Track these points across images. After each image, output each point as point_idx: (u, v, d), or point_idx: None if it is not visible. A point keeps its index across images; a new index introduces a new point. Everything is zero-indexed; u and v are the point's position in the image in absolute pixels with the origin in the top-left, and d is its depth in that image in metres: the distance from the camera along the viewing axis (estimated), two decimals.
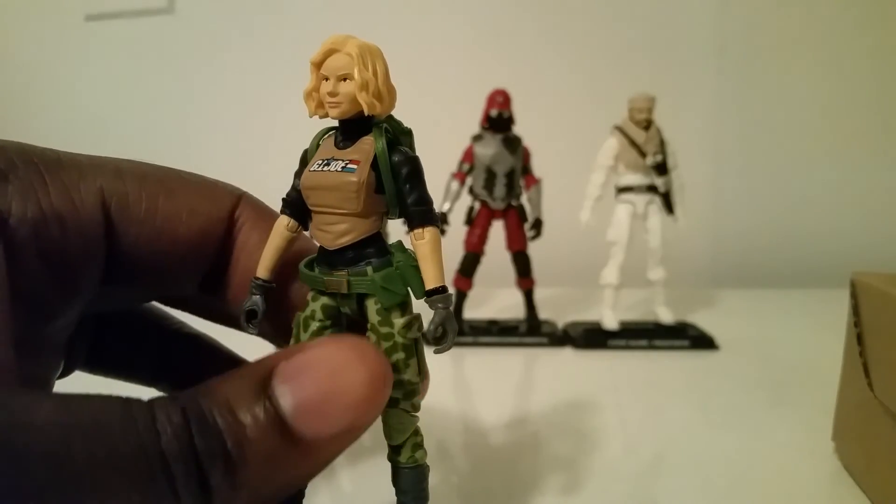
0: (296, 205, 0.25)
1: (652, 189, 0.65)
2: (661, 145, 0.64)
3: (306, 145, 0.26)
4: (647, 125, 0.64)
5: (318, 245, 0.25)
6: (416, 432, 0.27)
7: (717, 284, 0.95)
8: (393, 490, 0.27)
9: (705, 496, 0.36)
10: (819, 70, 0.95)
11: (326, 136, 0.26)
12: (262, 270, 0.26)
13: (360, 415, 0.19)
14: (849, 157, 0.96)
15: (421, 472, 0.27)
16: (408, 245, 0.25)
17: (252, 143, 0.98)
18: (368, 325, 0.26)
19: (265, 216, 0.28)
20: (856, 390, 0.36)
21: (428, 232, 0.25)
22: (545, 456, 0.41)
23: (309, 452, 0.18)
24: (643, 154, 0.64)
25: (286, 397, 0.18)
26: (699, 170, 0.93)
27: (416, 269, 0.25)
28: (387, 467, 0.27)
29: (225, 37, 1.02)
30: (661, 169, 0.64)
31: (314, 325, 0.26)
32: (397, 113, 0.26)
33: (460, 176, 0.65)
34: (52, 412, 0.16)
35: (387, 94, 0.24)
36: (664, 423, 0.47)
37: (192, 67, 1.04)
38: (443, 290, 0.25)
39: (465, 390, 0.56)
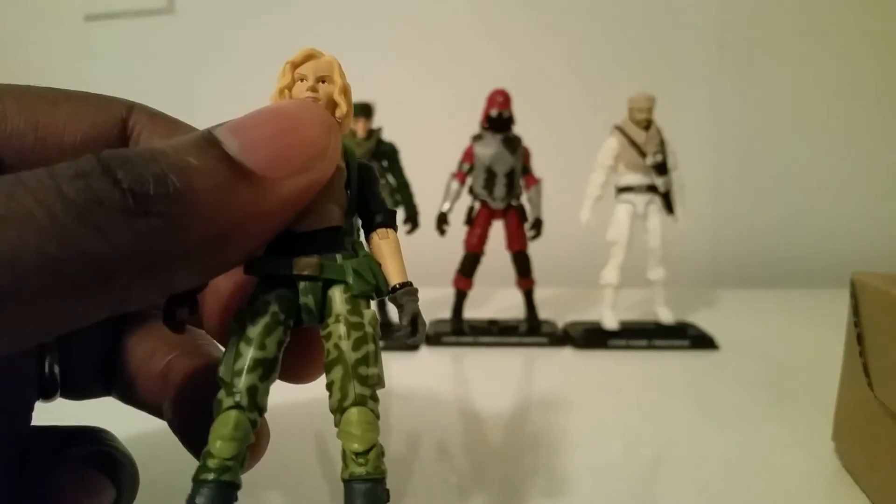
0: None
1: (652, 189, 0.65)
2: (661, 145, 0.64)
3: None
4: (647, 125, 0.64)
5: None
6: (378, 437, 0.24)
7: (717, 284, 0.95)
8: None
9: (705, 496, 0.36)
10: (819, 70, 0.95)
11: None
12: None
13: (314, 155, 0.20)
14: (849, 157, 0.96)
15: (384, 486, 0.23)
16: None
17: None
18: (332, 318, 0.24)
19: (162, 120, 0.27)
20: (856, 390, 0.36)
21: (392, 233, 0.25)
22: (545, 456, 0.41)
23: (262, 188, 0.19)
24: (643, 154, 0.64)
25: (232, 140, 0.18)
26: (699, 170, 0.93)
27: (379, 266, 0.25)
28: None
29: (225, 37, 1.03)
30: (661, 169, 0.64)
31: (265, 319, 0.23)
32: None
33: (460, 176, 0.65)
34: None
35: (350, 110, 0.25)
36: (664, 423, 0.47)
37: (192, 67, 1.04)
38: (408, 284, 0.25)
39: (465, 390, 0.56)
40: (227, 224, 0.18)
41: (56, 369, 0.27)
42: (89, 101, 0.25)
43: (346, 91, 0.24)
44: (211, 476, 0.21)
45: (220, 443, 0.21)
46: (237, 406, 0.22)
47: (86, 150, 0.24)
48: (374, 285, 0.24)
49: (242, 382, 0.22)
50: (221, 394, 0.22)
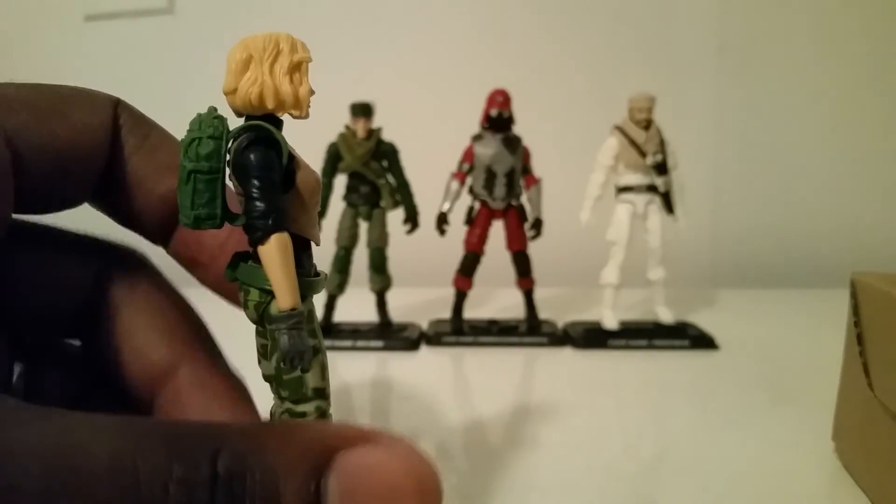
0: None
1: (652, 189, 0.65)
2: (661, 145, 0.64)
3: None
4: (647, 125, 0.64)
5: (296, 243, 0.23)
6: None
7: (717, 284, 0.95)
8: None
9: (705, 496, 0.36)
10: (819, 70, 0.95)
11: None
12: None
13: None
14: (849, 157, 0.96)
15: None
16: None
17: None
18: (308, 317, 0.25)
19: (140, 120, 0.28)
20: (856, 390, 0.36)
21: None
22: (545, 456, 0.41)
23: None
24: (643, 154, 0.64)
25: (334, 499, 0.16)
26: (699, 170, 0.93)
27: None
28: None
29: (225, 37, 1.02)
30: (661, 169, 0.64)
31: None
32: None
33: (460, 176, 0.65)
34: (42, 441, 0.14)
35: None
36: (664, 423, 0.47)
37: (192, 67, 1.04)
38: None
39: (465, 390, 0.56)
40: None
41: None
42: (88, 104, 0.26)
43: None
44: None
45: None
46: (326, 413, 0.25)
47: (93, 154, 0.26)
48: None
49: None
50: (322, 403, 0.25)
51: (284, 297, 0.22)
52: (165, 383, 0.26)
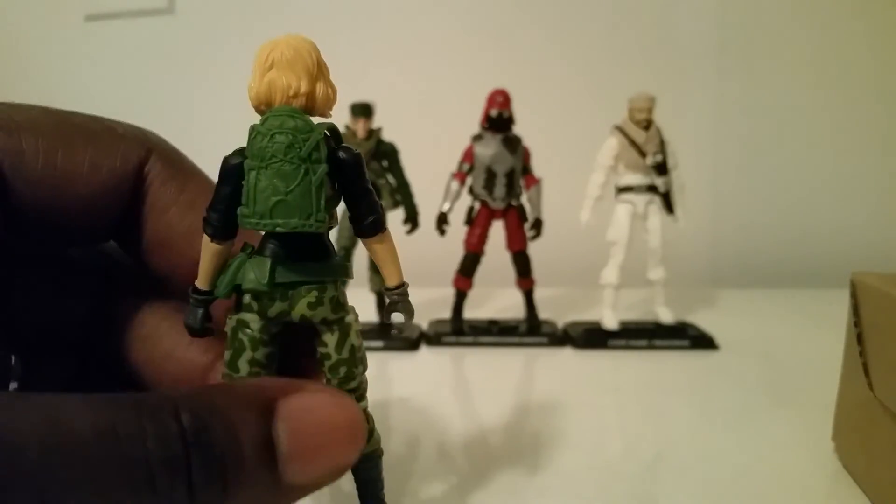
0: None
1: (652, 189, 0.65)
2: (661, 145, 0.64)
3: None
4: (647, 125, 0.64)
5: None
6: None
7: (717, 284, 0.95)
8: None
9: (705, 496, 0.36)
10: (819, 69, 0.95)
11: None
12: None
13: (339, 470, 0.20)
14: (849, 157, 0.96)
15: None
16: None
17: None
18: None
19: (177, 171, 0.26)
20: (856, 390, 0.36)
21: None
22: (545, 456, 0.41)
23: (285, 493, 0.19)
24: (643, 154, 0.64)
25: (284, 439, 0.18)
26: (699, 170, 0.93)
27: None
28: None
29: (225, 37, 1.02)
30: (661, 169, 0.64)
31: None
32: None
33: (460, 176, 0.65)
34: (34, 423, 0.15)
35: None
36: (664, 423, 0.47)
37: (192, 67, 1.04)
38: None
39: (465, 390, 0.56)
40: None
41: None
42: (107, 143, 0.25)
43: None
44: None
45: None
46: None
47: (100, 198, 0.24)
48: None
49: None
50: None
51: (400, 273, 0.24)
52: (205, 380, 0.26)
